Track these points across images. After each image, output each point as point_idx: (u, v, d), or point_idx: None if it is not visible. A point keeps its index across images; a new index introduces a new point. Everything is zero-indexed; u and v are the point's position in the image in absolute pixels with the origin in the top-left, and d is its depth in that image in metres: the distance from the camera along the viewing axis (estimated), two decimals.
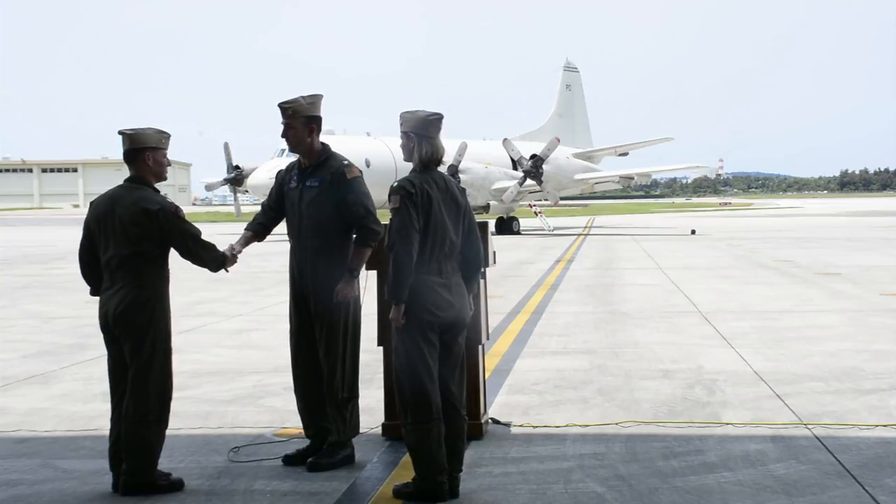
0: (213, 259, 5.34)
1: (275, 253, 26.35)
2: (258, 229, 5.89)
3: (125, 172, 5.32)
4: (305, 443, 5.77)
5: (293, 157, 5.87)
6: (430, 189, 4.90)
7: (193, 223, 5.30)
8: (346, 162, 5.68)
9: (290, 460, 5.59)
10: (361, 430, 6.27)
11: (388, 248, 4.86)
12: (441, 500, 4.83)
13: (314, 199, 5.56)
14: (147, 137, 5.22)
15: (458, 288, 4.98)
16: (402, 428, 4.92)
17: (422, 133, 4.98)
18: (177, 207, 5.28)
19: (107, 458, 5.37)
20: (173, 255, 5.30)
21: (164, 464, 5.43)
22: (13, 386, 8.05)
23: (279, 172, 5.92)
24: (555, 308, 13.11)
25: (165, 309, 5.20)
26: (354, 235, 5.60)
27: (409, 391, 4.84)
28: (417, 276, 4.81)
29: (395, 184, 4.91)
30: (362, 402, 7.09)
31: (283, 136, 5.66)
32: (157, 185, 5.32)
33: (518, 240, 34.84)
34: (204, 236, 5.31)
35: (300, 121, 5.60)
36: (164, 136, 5.26)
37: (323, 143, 5.70)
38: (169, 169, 5.40)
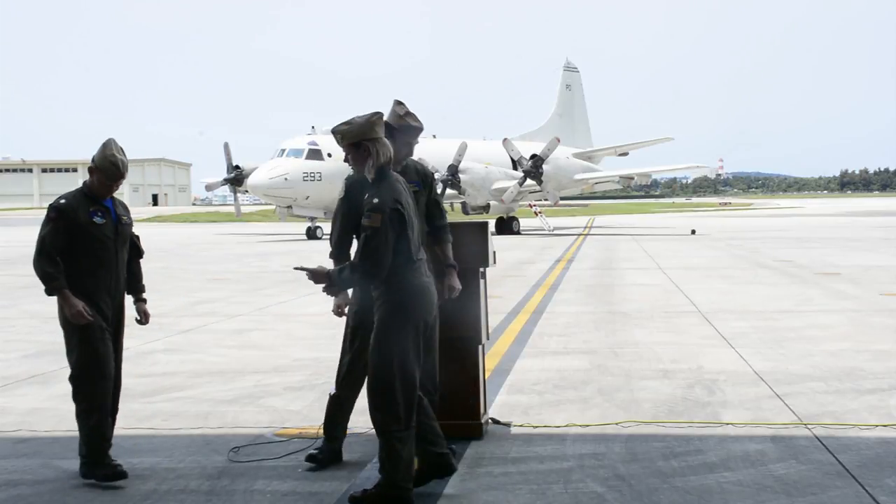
0: (43, 278, 5.26)
1: (275, 253, 26.33)
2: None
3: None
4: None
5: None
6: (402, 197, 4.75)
7: (51, 230, 5.25)
8: (420, 160, 5.83)
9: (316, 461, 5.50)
10: (361, 431, 6.30)
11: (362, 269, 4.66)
12: None
13: (418, 203, 5.45)
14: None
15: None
16: (389, 434, 4.68)
17: (373, 137, 4.75)
18: (51, 206, 5.32)
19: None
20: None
21: (163, 463, 5.45)
22: (13, 386, 8.05)
23: (351, 183, 5.56)
24: (555, 308, 13.11)
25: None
26: (439, 232, 5.67)
27: (403, 392, 4.71)
28: (413, 278, 4.76)
29: (376, 200, 4.65)
30: (362, 401, 7.09)
31: (409, 153, 5.61)
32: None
33: (518, 240, 34.84)
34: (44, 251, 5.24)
35: None
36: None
37: None
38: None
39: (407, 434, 4.73)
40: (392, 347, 4.69)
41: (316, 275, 4.70)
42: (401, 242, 4.69)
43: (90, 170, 5.40)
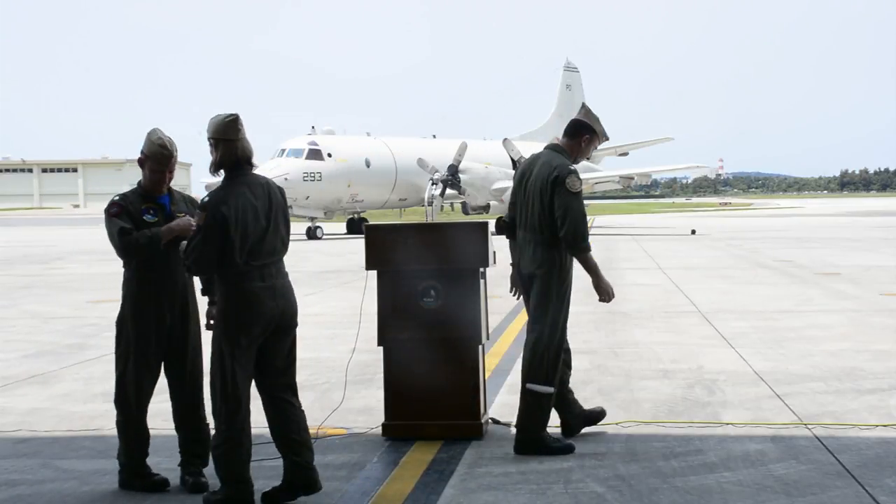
0: (142, 245, 5.08)
1: None
2: None
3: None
4: None
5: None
6: (239, 198, 4.73)
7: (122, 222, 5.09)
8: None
9: None
10: (361, 430, 6.30)
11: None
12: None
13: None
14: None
15: (282, 290, 4.87)
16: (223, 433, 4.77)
17: (219, 137, 4.80)
18: (110, 203, 5.17)
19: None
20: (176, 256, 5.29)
21: (163, 463, 5.44)
22: (13, 386, 8.05)
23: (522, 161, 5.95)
24: None
25: (133, 311, 5.16)
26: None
27: (222, 396, 4.79)
28: (242, 284, 4.74)
29: (207, 199, 4.73)
30: (362, 401, 7.11)
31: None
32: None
33: None
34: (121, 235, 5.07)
35: None
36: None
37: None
38: None
39: (234, 431, 4.74)
40: (216, 352, 4.81)
41: None
42: (225, 247, 4.70)
43: (140, 162, 5.23)
